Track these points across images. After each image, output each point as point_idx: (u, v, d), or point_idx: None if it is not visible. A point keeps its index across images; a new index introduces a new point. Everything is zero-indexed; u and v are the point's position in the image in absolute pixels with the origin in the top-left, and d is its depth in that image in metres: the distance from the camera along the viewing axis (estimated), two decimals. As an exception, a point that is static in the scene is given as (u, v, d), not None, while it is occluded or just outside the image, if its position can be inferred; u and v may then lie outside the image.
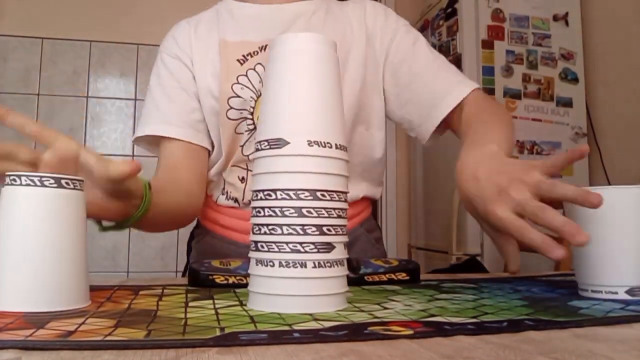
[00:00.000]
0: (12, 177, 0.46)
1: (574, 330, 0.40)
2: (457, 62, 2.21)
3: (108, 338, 0.36)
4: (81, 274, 0.48)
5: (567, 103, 2.17)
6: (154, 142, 0.87)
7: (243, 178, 0.86)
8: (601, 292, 0.54)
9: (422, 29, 2.58)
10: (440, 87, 0.86)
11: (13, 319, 0.42)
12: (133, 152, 2.54)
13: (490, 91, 2.11)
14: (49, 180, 0.46)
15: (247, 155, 0.85)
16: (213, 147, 0.88)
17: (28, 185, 0.46)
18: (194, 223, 0.98)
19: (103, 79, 2.53)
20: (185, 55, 0.88)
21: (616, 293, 0.53)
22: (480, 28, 2.14)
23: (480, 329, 0.40)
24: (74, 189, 0.48)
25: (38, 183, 0.46)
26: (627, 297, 0.53)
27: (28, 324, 0.40)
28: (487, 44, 2.14)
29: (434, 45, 2.45)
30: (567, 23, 2.22)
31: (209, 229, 0.93)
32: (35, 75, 2.46)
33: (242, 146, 0.85)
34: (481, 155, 0.63)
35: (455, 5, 2.25)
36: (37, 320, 0.41)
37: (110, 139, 2.52)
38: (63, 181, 0.47)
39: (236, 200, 0.87)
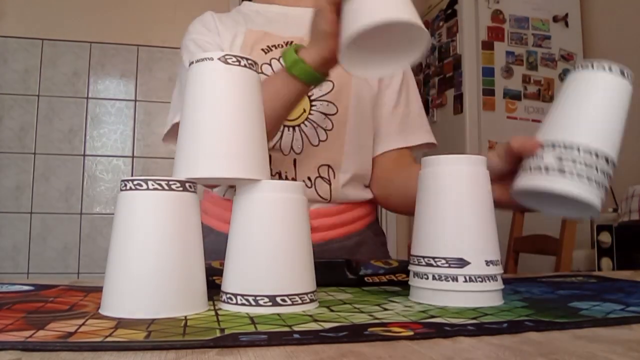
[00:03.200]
0: (136, 182, 0.46)
1: (573, 331, 0.40)
2: (457, 63, 2.22)
3: (108, 339, 0.36)
4: (201, 277, 0.49)
5: (567, 104, 2.17)
6: None
7: None
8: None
9: (422, 30, 2.58)
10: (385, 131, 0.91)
11: (13, 320, 0.42)
12: (133, 154, 2.54)
13: (490, 92, 2.11)
14: (175, 184, 0.47)
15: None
16: None
17: (155, 189, 0.46)
18: None
19: (103, 80, 2.53)
20: (217, 37, 0.89)
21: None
22: (480, 29, 2.14)
23: (480, 330, 0.40)
24: (194, 192, 0.49)
25: (165, 187, 0.47)
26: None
27: (28, 325, 0.40)
28: (487, 45, 2.14)
29: (433, 47, 2.45)
30: (567, 24, 2.22)
31: (212, 227, 0.89)
32: (36, 76, 2.46)
33: None
34: None
35: (455, 6, 2.25)
36: (37, 321, 0.41)
37: (110, 140, 2.52)
38: (187, 185, 0.48)
39: None
